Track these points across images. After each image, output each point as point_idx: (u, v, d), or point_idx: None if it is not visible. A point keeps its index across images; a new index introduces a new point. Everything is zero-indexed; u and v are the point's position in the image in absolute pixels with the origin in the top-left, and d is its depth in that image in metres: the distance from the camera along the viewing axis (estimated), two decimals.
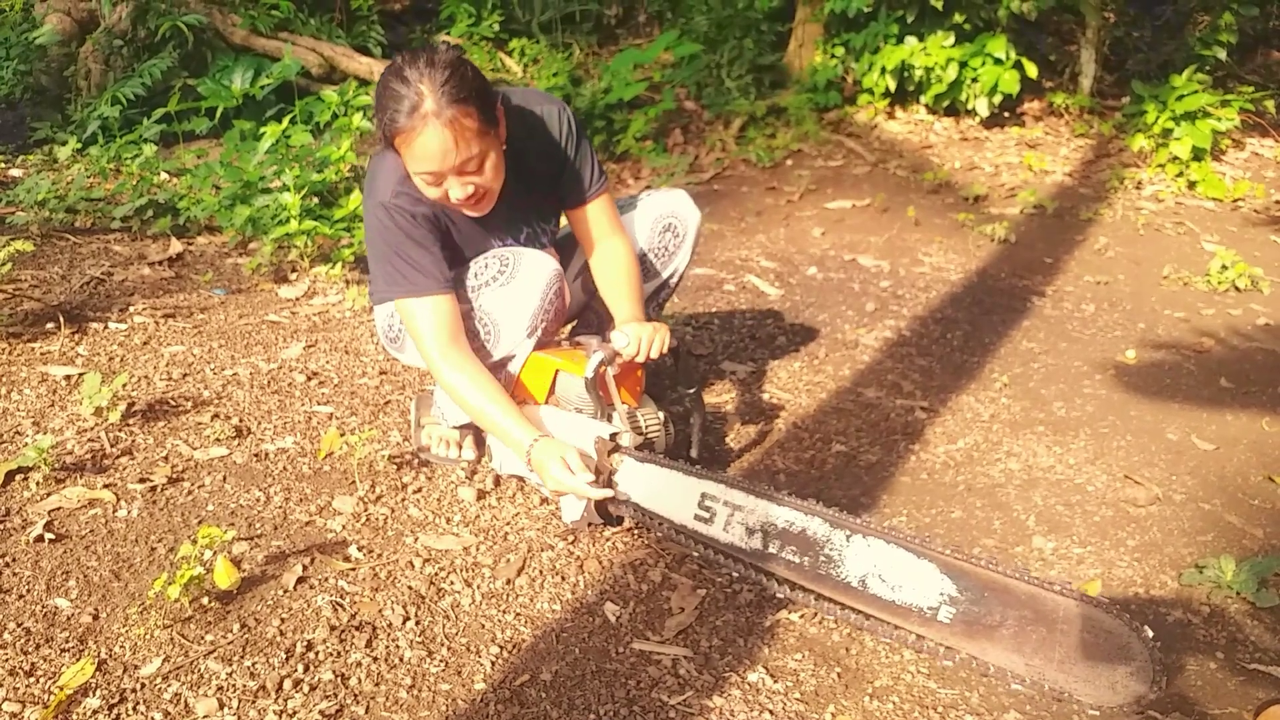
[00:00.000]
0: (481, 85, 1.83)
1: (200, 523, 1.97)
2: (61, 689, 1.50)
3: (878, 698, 1.57)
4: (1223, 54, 5.45)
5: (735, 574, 1.80)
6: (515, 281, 2.03)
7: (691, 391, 2.16)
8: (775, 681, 1.60)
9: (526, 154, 2.04)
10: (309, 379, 2.71)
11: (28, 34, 6.04)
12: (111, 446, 2.27)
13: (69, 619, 1.70)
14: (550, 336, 2.17)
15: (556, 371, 2.08)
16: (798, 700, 1.56)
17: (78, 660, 1.58)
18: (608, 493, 1.87)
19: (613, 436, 1.94)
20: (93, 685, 1.53)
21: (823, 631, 1.73)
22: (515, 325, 2.05)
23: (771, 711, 1.53)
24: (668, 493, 1.85)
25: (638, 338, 2.00)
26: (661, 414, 2.08)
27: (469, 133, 1.79)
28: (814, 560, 1.63)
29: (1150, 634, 1.35)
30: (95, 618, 1.70)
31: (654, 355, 2.02)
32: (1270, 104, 5.13)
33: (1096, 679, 1.37)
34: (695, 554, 1.85)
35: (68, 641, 1.64)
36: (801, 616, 1.76)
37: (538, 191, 2.13)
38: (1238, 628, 1.78)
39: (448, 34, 6.62)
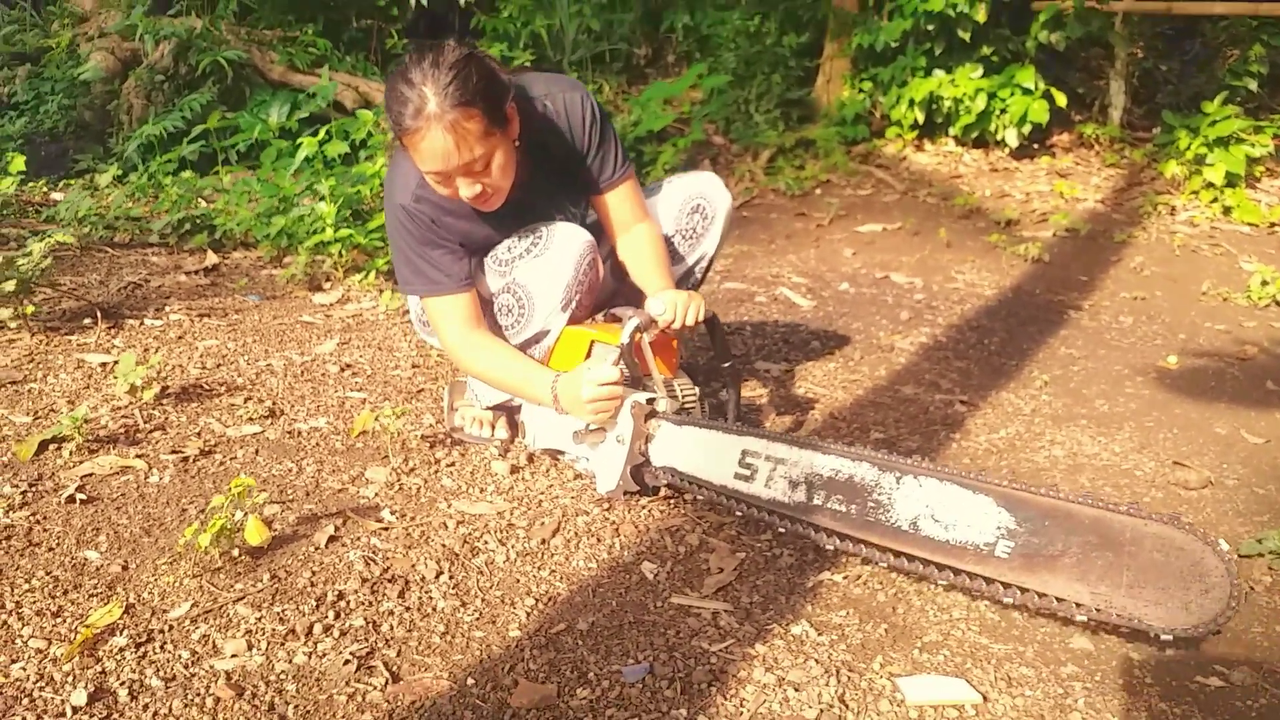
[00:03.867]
0: (488, 86, 1.80)
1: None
2: (88, 627, 1.47)
3: (927, 651, 1.51)
4: (1254, 85, 5.45)
5: (782, 530, 1.74)
6: (549, 252, 2.02)
7: (727, 365, 2.13)
8: (820, 635, 1.54)
9: (549, 143, 2.04)
10: (342, 370, 2.70)
11: (72, 71, 6.20)
12: (145, 423, 2.26)
13: (98, 569, 1.67)
14: (585, 312, 2.15)
15: (592, 343, 2.06)
16: (844, 651, 1.50)
17: (106, 604, 1.55)
18: (642, 396, 1.88)
19: (649, 402, 1.91)
20: (119, 626, 1.50)
21: (868, 592, 1.67)
22: (550, 296, 2.03)
23: (817, 660, 1.47)
24: (707, 453, 1.81)
25: (673, 304, 1.98)
26: (697, 388, 2.05)
27: (471, 135, 1.77)
28: (861, 508, 1.58)
29: (1225, 546, 1.29)
30: (125, 568, 1.68)
31: (690, 323, 1.99)
32: None
33: (1168, 600, 1.31)
34: (738, 513, 1.80)
35: (96, 588, 1.61)
36: (845, 577, 1.71)
37: (564, 179, 2.14)
38: None
39: None
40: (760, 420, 2.47)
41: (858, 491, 1.59)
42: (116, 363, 2.54)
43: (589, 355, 2.08)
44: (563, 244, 2.04)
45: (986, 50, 5.50)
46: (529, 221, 2.10)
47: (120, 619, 1.52)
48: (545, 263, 2.03)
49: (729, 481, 1.77)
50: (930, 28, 5.49)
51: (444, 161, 1.79)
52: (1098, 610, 1.39)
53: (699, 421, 1.86)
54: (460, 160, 1.79)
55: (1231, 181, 4.80)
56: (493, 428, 2.25)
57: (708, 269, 2.38)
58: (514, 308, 2.07)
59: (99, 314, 2.95)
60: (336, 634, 1.51)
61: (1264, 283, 3.67)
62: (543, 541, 1.81)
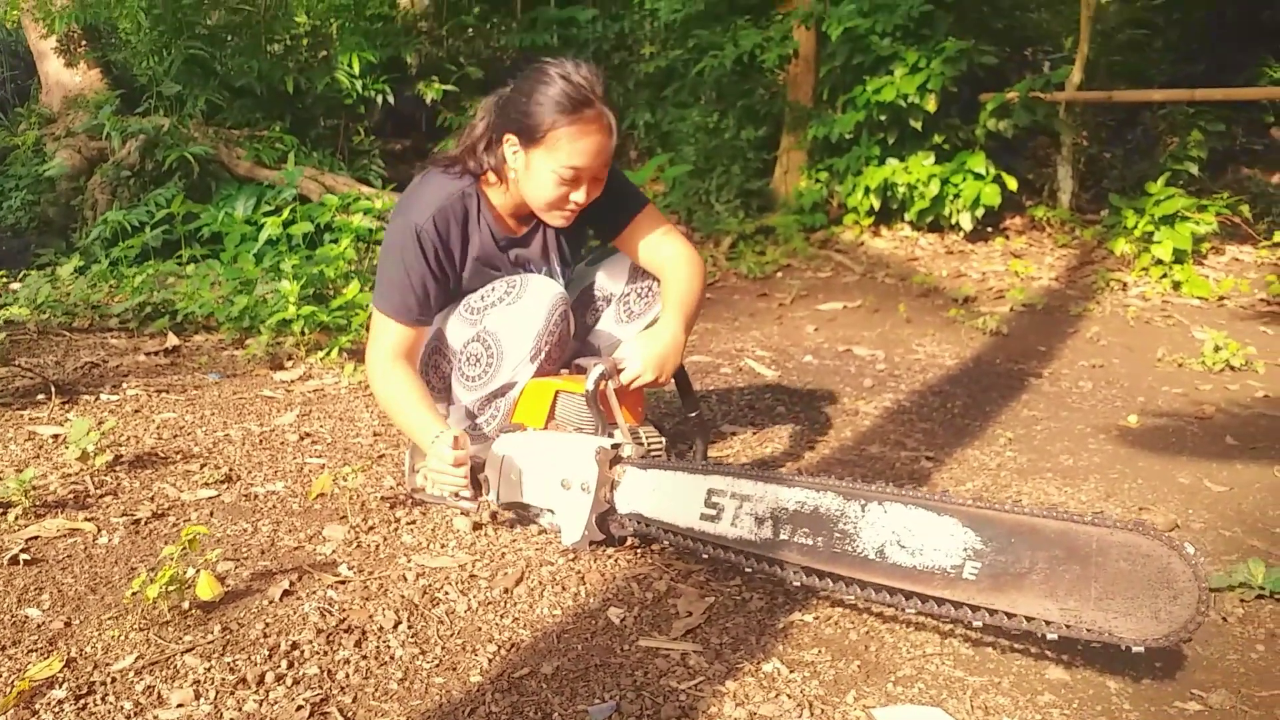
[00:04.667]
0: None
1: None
2: (25, 680, 1.40)
3: (902, 684, 1.47)
4: (1194, 169, 5.67)
5: (749, 570, 1.71)
6: (522, 301, 2.04)
7: (694, 415, 2.12)
8: (792, 672, 1.49)
9: None
10: (302, 438, 2.65)
11: (37, 168, 6.23)
12: (96, 488, 2.20)
13: (39, 625, 1.60)
14: (552, 366, 2.15)
15: (557, 393, 2.05)
16: (817, 686, 1.45)
17: (46, 659, 1.48)
18: (607, 442, 1.88)
19: (614, 447, 1.89)
20: (59, 679, 1.43)
21: (839, 631, 1.63)
22: (520, 346, 2.03)
23: (789, 695, 1.42)
24: (672, 495, 1.79)
25: (642, 360, 1.98)
26: (664, 438, 2.03)
27: (613, 141, 1.91)
28: (828, 539, 1.56)
29: (1192, 550, 1.28)
30: (67, 624, 1.60)
31: (660, 380, 2.00)
32: (1246, 209, 5.29)
33: (1138, 610, 1.29)
34: (705, 555, 1.76)
35: (36, 644, 1.54)
36: (816, 618, 1.67)
37: (576, 231, 2.19)
38: (1275, 624, 1.69)
39: None
40: None
41: (824, 522, 1.57)
42: (69, 431, 2.49)
43: (554, 405, 2.06)
44: (536, 293, 2.05)
45: (938, 139, 5.70)
46: (542, 266, 2.16)
47: (60, 672, 1.44)
48: (518, 311, 2.04)
49: (695, 523, 1.74)
50: (883, 118, 5.70)
51: (594, 157, 1.89)
52: (1067, 626, 1.36)
53: (664, 464, 1.84)
54: (602, 161, 1.89)
55: (1179, 258, 4.94)
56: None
57: None
58: (482, 356, 2.06)
59: (53, 390, 2.90)
60: (290, 682, 1.44)
61: (1217, 348, 3.74)
62: (505, 591, 1.76)
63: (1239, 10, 6.14)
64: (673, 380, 2.09)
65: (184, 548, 1.64)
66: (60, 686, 1.41)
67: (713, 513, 1.71)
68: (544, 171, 1.92)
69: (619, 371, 1.96)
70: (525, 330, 2.02)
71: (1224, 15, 6.13)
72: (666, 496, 1.79)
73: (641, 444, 1.94)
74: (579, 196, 1.95)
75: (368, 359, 2.08)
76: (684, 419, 2.21)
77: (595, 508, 1.86)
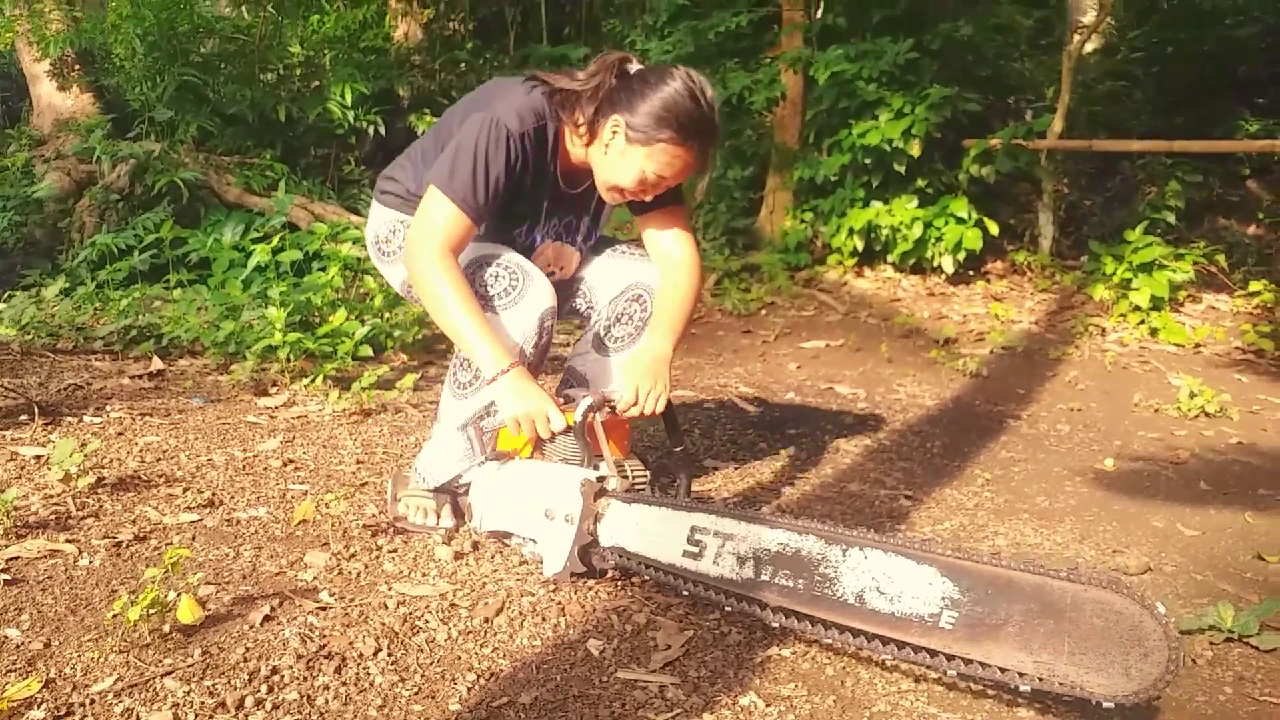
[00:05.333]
0: None
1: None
2: (3, 700, 1.40)
3: (876, 719, 1.48)
4: (1172, 218, 5.78)
5: (729, 609, 1.73)
6: (518, 307, 2.07)
7: (680, 449, 2.15)
8: (768, 706, 1.51)
9: None
10: (285, 465, 2.66)
11: (26, 189, 6.23)
12: (78, 510, 2.19)
13: (18, 646, 1.60)
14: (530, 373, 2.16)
15: None
16: (793, 719, 1.47)
17: (24, 680, 1.47)
18: (592, 474, 1.90)
19: (600, 479, 1.91)
20: (37, 699, 1.43)
21: (816, 666, 1.65)
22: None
23: None
24: (656, 531, 1.81)
25: (634, 389, 2.01)
26: (648, 472, 2.06)
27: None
28: (809, 582, 1.58)
29: (1163, 610, 1.31)
30: (47, 645, 1.60)
31: (648, 411, 2.02)
32: (1222, 259, 5.39)
33: (1109, 667, 1.31)
34: (685, 593, 1.78)
35: (15, 664, 1.54)
36: (793, 653, 1.69)
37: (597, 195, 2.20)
38: (1244, 667, 1.72)
39: None
40: None
41: (805, 565, 1.59)
42: (51, 452, 2.49)
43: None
44: (532, 300, 2.07)
45: (921, 183, 5.79)
46: (558, 210, 2.19)
47: (39, 693, 1.44)
48: (512, 317, 2.07)
49: (677, 560, 1.76)
50: (867, 162, 5.79)
51: (683, 174, 2.00)
52: (1040, 680, 1.38)
53: (648, 499, 1.86)
54: (683, 179, 2.01)
55: (1157, 305, 5.03)
56: (437, 515, 2.22)
57: None
58: (471, 365, 2.09)
59: (36, 411, 2.89)
60: (269, 707, 1.45)
61: (1192, 395, 3.80)
62: (486, 620, 1.77)
63: (1216, 66, 6.29)
64: (660, 415, 2.11)
65: (166, 571, 1.65)
66: (39, 707, 1.41)
67: (695, 550, 1.73)
68: (632, 166, 1.96)
69: (607, 404, 1.99)
70: (515, 335, 2.06)
71: (1202, 70, 6.27)
72: (649, 532, 1.81)
73: (626, 477, 1.96)
74: (646, 196, 2.03)
75: (418, 245, 1.97)
76: (669, 452, 2.23)
77: (578, 539, 1.87)
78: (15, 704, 1.41)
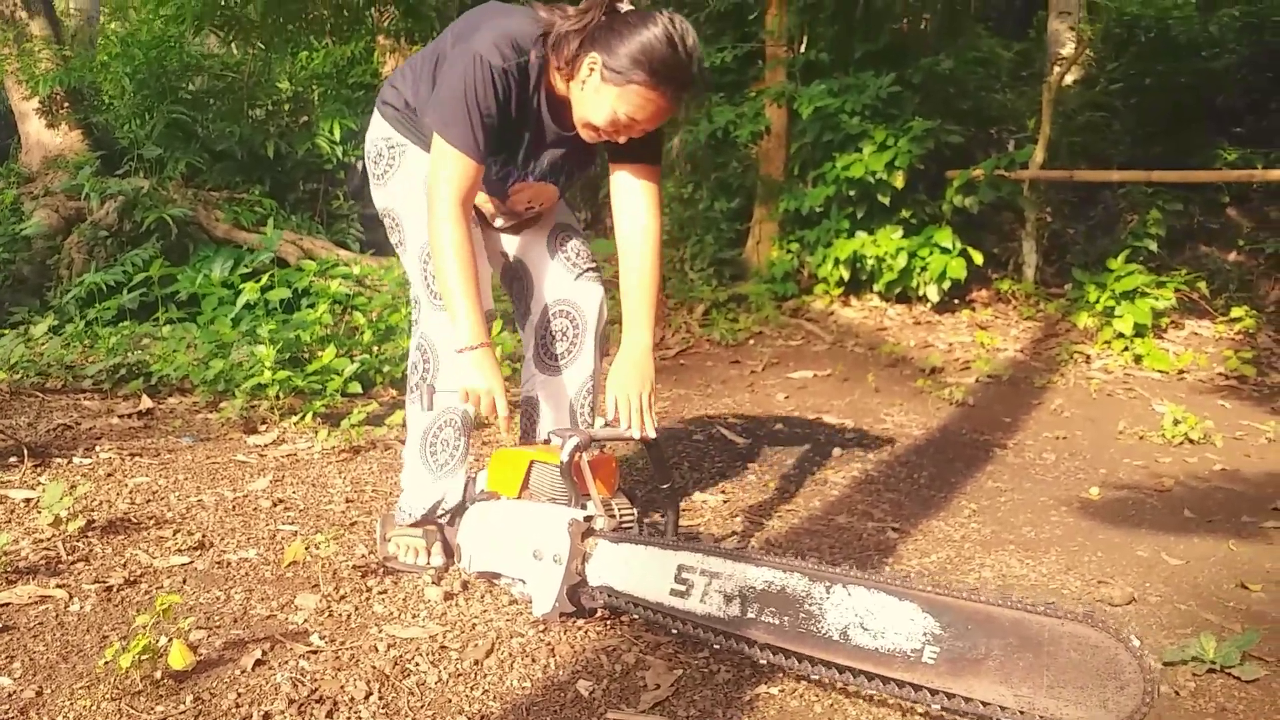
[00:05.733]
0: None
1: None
2: None
3: None
4: (1154, 245, 5.85)
5: (716, 646, 1.74)
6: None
7: (666, 487, 2.16)
8: None
9: None
10: (275, 505, 2.67)
11: (14, 227, 6.25)
12: (68, 554, 2.20)
13: (10, 695, 1.60)
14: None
15: (531, 463, 2.09)
16: None
17: None
18: (580, 514, 1.92)
19: (587, 519, 1.93)
20: None
21: (804, 704, 1.66)
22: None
23: None
24: (643, 570, 1.82)
25: (626, 406, 2.05)
26: (635, 510, 2.07)
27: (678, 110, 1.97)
28: (794, 619, 1.59)
29: (1137, 643, 1.33)
30: (39, 693, 1.61)
31: (636, 435, 2.05)
32: (1203, 285, 5.46)
33: (1087, 700, 1.33)
34: (674, 631, 1.79)
35: (8, 712, 1.54)
36: (781, 690, 1.70)
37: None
38: (1225, 698, 1.74)
39: None
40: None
41: (790, 603, 1.61)
42: (41, 495, 2.49)
43: (528, 475, 2.10)
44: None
45: (906, 213, 5.85)
46: (543, 146, 2.17)
47: None
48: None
49: (665, 598, 1.77)
50: (852, 193, 5.85)
51: (656, 119, 1.96)
52: (1021, 713, 1.40)
53: (636, 538, 1.88)
54: (661, 122, 1.97)
55: (1140, 332, 5.08)
56: (427, 554, 2.23)
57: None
58: (419, 366, 2.16)
59: (25, 453, 2.90)
60: None
61: (1176, 422, 3.84)
62: (476, 663, 1.78)
63: (1193, 96, 6.39)
64: (647, 449, 2.14)
65: (157, 617, 1.66)
66: None
67: (682, 589, 1.74)
68: (605, 105, 1.94)
69: (593, 443, 2.01)
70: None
71: (1179, 101, 6.37)
72: (637, 571, 1.83)
73: (614, 516, 1.98)
74: (620, 137, 2.01)
75: (434, 200, 2.02)
76: (656, 487, 2.25)
77: (566, 579, 1.89)
78: None
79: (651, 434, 2.08)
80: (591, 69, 1.97)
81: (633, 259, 2.21)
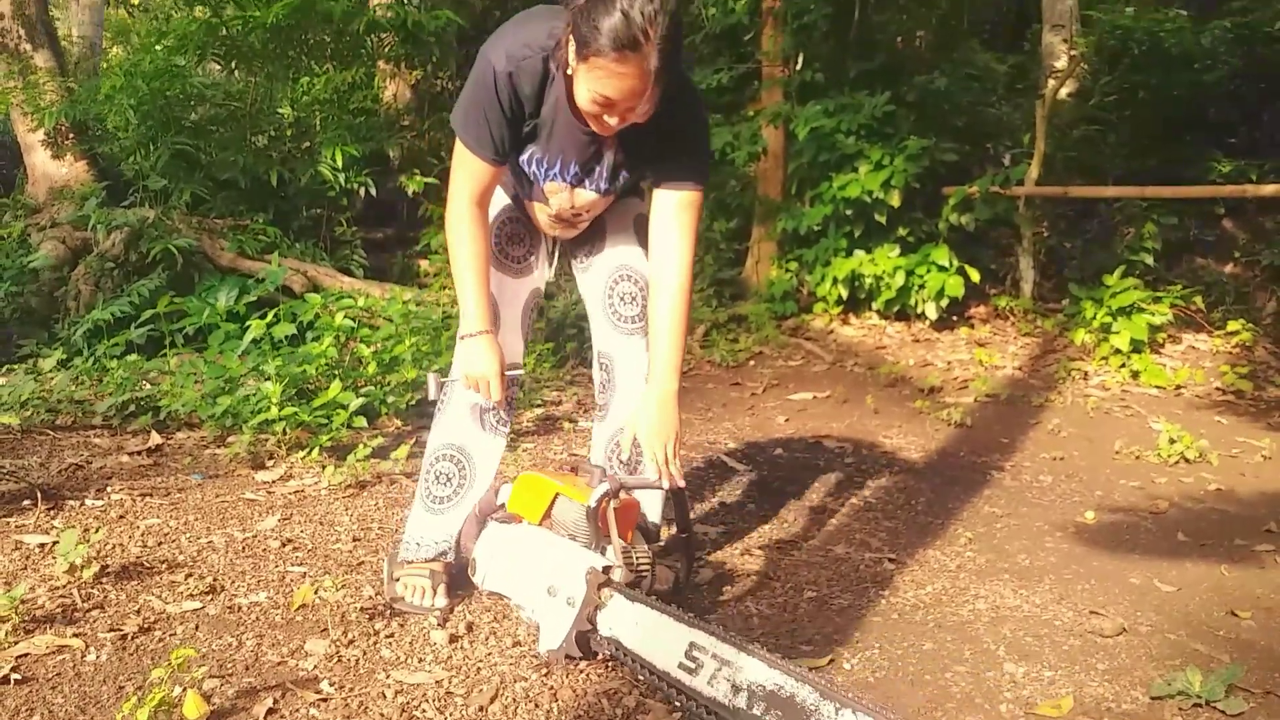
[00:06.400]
0: (680, 47, 1.92)
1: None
2: None
3: None
4: (1150, 259, 5.90)
5: None
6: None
7: (685, 536, 2.21)
8: None
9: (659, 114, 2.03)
10: (283, 545, 2.72)
11: (22, 259, 6.32)
12: (83, 601, 2.26)
13: None
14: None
15: (556, 495, 2.14)
16: None
17: None
18: (599, 562, 1.98)
19: (606, 570, 1.97)
20: None
21: None
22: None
23: None
24: (655, 636, 1.84)
25: (653, 457, 2.10)
26: (651, 558, 2.12)
27: (654, 87, 1.89)
28: None
29: None
30: None
31: (669, 485, 2.11)
32: (1199, 300, 5.51)
33: None
34: (677, 704, 1.78)
35: None
36: None
37: (629, 148, 2.18)
38: None
39: (428, 260, 7.01)
40: (698, 579, 2.53)
41: (797, 712, 1.59)
42: (56, 543, 2.55)
43: (552, 507, 2.15)
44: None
45: (903, 231, 5.91)
46: (578, 152, 2.17)
47: None
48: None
49: (673, 670, 1.77)
50: (849, 212, 5.91)
51: (629, 95, 1.88)
52: None
53: (652, 603, 1.89)
54: (639, 98, 1.90)
55: (1137, 347, 5.13)
56: (433, 594, 2.29)
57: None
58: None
59: (39, 495, 2.96)
60: None
61: (1172, 441, 3.89)
62: (481, 709, 1.83)
63: (1187, 109, 6.44)
64: (671, 495, 2.20)
65: (172, 670, 1.71)
66: None
67: (691, 665, 1.74)
68: (582, 87, 1.94)
69: (621, 489, 2.06)
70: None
71: (1173, 113, 6.42)
72: (648, 635, 1.84)
73: (632, 568, 2.01)
74: (611, 120, 1.97)
75: (451, 195, 2.16)
76: (669, 522, 2.30)
77: (577, 625, 1.93)
78: None
79: (680, 484, 2.14)
80: (570, 55, 1.98)
81: (662, 297, 2.21)
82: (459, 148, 2.14)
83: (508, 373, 2.23)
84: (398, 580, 2.35)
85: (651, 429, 2.13)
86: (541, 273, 2.48)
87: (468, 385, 2.19)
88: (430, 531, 2.36)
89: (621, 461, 2.40)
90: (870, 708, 1.51)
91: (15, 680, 1.88)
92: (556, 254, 2.53)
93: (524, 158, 2.21)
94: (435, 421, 2.39)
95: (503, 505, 2.29)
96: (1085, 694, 1.95)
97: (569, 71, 1.99)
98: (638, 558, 2.04)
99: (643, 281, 2.40)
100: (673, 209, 2.17)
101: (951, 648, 2.16)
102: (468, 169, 2.13)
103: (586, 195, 2.27)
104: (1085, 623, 2.30)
